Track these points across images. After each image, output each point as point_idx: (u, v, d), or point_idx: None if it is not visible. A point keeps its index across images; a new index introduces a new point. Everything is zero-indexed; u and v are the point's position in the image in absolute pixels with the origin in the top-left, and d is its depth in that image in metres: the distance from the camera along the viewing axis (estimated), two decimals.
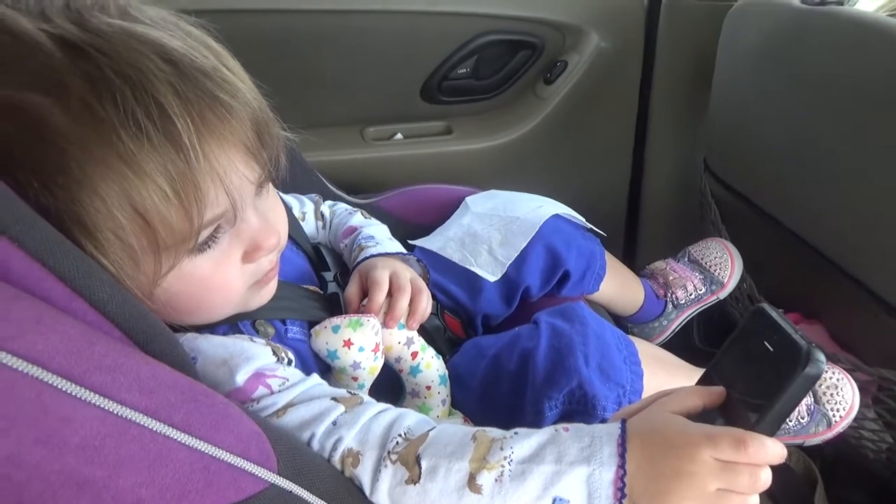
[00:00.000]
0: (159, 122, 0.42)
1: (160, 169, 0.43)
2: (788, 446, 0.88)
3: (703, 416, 0.47)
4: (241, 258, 0.52)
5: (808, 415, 0.86)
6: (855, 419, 0.88)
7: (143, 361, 0.39)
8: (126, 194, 0.43)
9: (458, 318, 0.83)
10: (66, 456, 0.33)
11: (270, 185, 0.55)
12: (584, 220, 0.89)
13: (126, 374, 0.36)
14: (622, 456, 0.45)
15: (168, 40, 0.45)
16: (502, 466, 0.46)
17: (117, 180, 0.43)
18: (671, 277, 1.01)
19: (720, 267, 1.03)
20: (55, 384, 0.33)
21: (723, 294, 1.04)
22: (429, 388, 0.68)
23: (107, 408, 0.35)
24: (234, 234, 0.50)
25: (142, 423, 0.35)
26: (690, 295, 1.01)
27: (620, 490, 0.44)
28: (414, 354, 0.67)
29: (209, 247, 0.49)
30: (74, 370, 0.34)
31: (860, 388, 0.90)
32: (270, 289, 0.57)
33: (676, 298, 1.00)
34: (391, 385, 0.68)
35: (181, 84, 0.44)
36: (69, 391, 0.34)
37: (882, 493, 0.97)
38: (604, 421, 0.62)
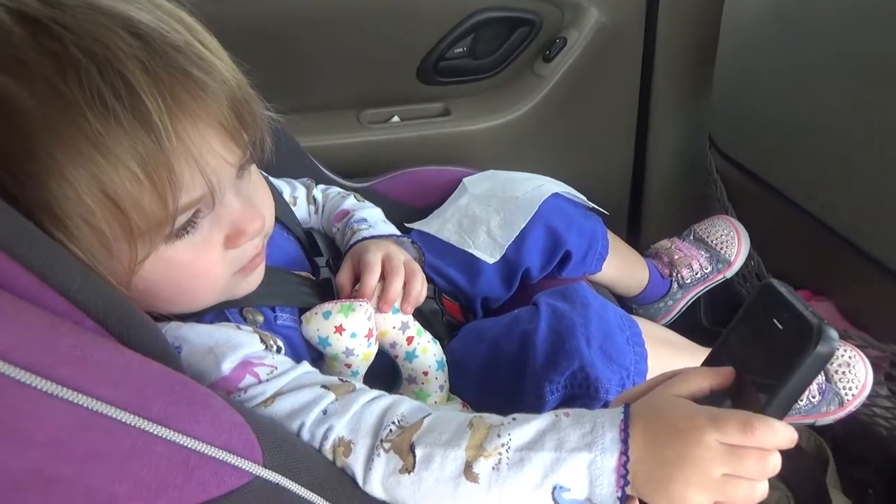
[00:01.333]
0: (127, 101, 0.40)
1: (130, 151, 0.41)
2: (799, 426, 0.86)
3: (710, 398, 0.44)
4: (224, 243, 0.50)
5: (820, 394, 0.84)
6: (867, 397, 0.86)
7: (116, 352, 0.37)
8: (95, 178, 0.41)
9: (456, 301, 0.81)
10: (32, 452, 0.31)
11: (254, 167, 0.53)
12: (585, 199, 0.87)
13: (96, 366, 0.35)
14: (625, 442, 0.43)
15: (136, 13, 0.43)
16: (500, 454, 0.44)
17: (85, 164, 0.41)
18: (676, 256, 0.99)
19: (727, 245, 1.01)
20: (18, 377, 0.31)
21: (729, 273, 1.01)
22: (426, 373, 0.66)
23: (75, 401, 0.33)
24: (215, 219, 0.48)
25: (113, 416, 0.34)
26: (696, 274, 0.99)
27: (623, 477, 0.42)
28: (410, 339, 0.65)
29: (188, 232, 0.47)
30: (40, 363, 0.32)
31: (872, 365, 0.87)
32: (257, 275, 0.55)
33: (682, 278, 0.98)
34: (387, 371, 0.66)
35: (150, 60, 0.41)
36: (34, 384, 0.32)
37: (895, 472, 0.95)
38: (606, 404, 0.61)
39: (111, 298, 0.40)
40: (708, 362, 0.48)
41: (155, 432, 0.35)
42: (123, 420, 0.34)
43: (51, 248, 0.38)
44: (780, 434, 0.41)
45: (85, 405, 0.33)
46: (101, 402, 0.34)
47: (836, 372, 0.85)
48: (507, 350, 0.67)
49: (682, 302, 1.00)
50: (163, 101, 0.41)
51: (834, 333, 0.39)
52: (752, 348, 0.45)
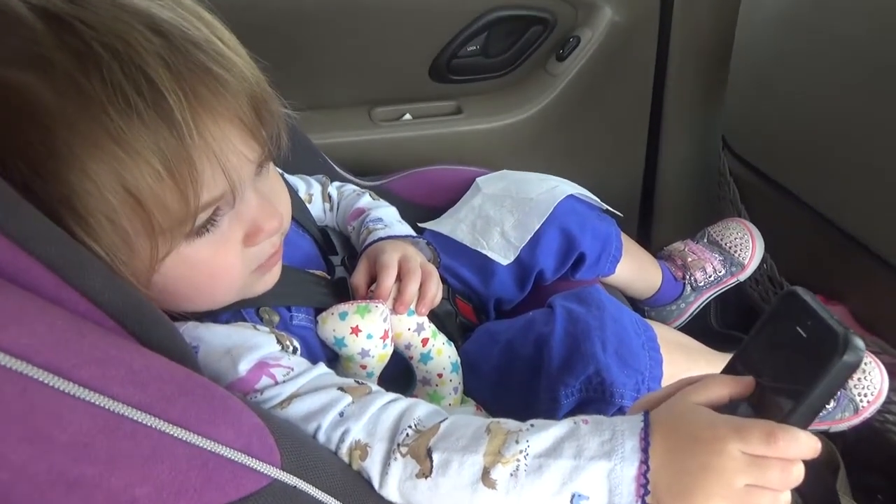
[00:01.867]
0: (149, 97, 0.40)
1: (152, 147, 0.41)
2: (811, 432, 0.86)
3: (731, 407, 0.44)
4: (242, 241, 0.49)
5: (835, 400, 0.83)
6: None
7: (136, 353, 0.37)
8: (117, 175, 0.41)
9: (469, 302, 0.81)
10: (54, 455, 0.31)
11: (272, 164, 0.53)
12: (599, 200, 0.87)
13: (118, 366, 0.35)
14: (645, 451, 0.42)
15: (157, 11, 0.42)
16: (518, 461, 0.44)
17: (107, 160, 0.41)
18: (690, 259, 0.98)
19: (741, 248, 1.00)
20: (41, 379, 0.31)
21: (743, 276, 1.00)
22: (440, 375, 0.66)
23: (97, 403, 0.33)
24: (234, 217, 0.48)
25: (135, 418, 0.34)
26: (710, 277, 0.98)
27: (643, 486, 0.42)
28: (425, 341, 0.65)
29: (208, 230, 0.47)
30: (62, 364, 0.32)
31: (887, 371, 0.87)
32: (274, 274, 0.54)
33: (695, 280, 0.98)
34: (401, 373, 0.66)
35: (172, 57, 0.41)
36: (56, 386, 0.32)
37: None
38: (621, 409, 0.60)
39: (131, 298, 0.40)
40: (728, 369, 0.47)
41: (176, 434, 0.35)
42: (145, 422, 0.34)
43: (72, 248, 0.38)
44: (803, 444, 0.40)
45: (107, 407, 0.33)
46: (123, 403, 0.33)
47: (852, 378, 0.84)
48: (521, 352, 0.67)
49: (695, 305, 1.00)
50: (184, 98, 0.41)
51: (860, 343, 0.39)
52: (775, 356, 0.44)
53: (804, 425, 0.41)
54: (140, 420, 0.34)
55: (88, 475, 0.32)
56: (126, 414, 0.33)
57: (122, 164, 0.41)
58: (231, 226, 0.48)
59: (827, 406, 0.82)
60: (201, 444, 0.36)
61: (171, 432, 0.35)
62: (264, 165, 0.50)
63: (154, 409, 0.34)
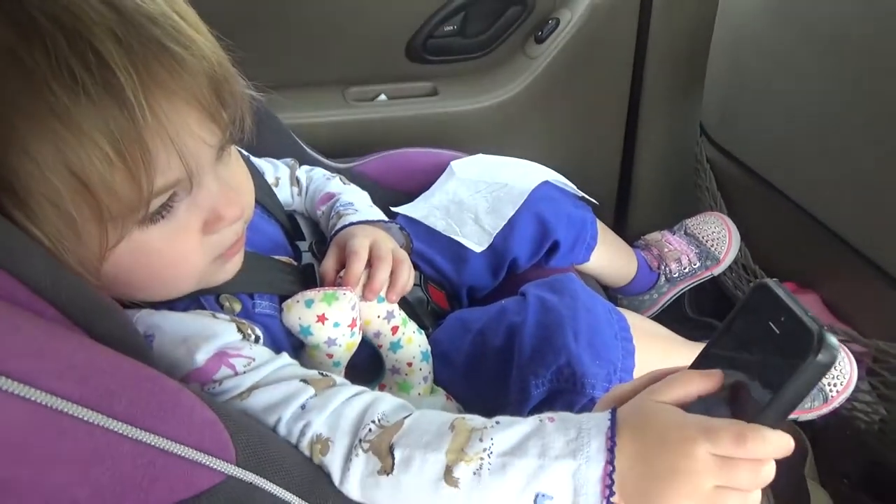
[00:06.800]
0: (98, 74, 0.37)
1: (100, 127, 0.38)
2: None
3: (701, 405, 0.42)
4: (201, 229, 0.47)
5: None
6: None
7: (79, 345, 0.35)
8: (61, 155, 0.38)
9: (442, 289, 0.80)
10: None
11: (234, 149, 0.50)
12: (574, 187, 0.85)
13: (56, 359, 0.33)
14: (611, 451, 0.41)
15: None
16: (481, 459, 0.42)
17: (51, 139, 0.38)
18: (666, 250, 0.98)
19: (717, 242, 1.01)
20: None
21: (717, 270, 1.02)
22: (410, 364, 0.64)
23: (32, 398, 0.30)
24: (192, 203, 0.46)
25: (74, 414, 0.32)
26: (685, 269, 0.98)
27: (609, 487, 0.41)
28: (394, 329, 0.64)
29: (163, 217, 0.44)
30: None
31: (855, 360, 0.87)
32: (236, 263, 0.52)
33: (670, 271, 0.98)
34: (370, 361, 0.64)
35: (123, 31, 0.39)
36: None
37: (873, 465, 0.96)
38: (593, 399, 0.59)
39: (76, 287, 0.38)
40: (697, 364, 0.46)
41: (119, 431, 0.33)
42: (85, 418, 0.32)
43: (10, 232, 0.36)
44: (774, 444, 0.39)
45: (43, 402, 0.31)
46: (62, 398, 0.31)
47: None
48: (493, 342, 0.66)
49: (668, 295, 1.00)
50: (136, 75, 0.38)
51: (834, 341, 0.37)
52: (747, 351, 0.43)
53: (776, 424, 0.40)
54: (80, 416, 0.32)
55: (23, 476, 0.30)
56: (64, 409, 0.31)
57: (67, 145, 0.38)
58: (189, 213, 0.46)
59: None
60: (148, 441, 0.34)
61: (115, 428, 0.33)
62: (225, 149, 0.48)
63: (96, 404, 0.33)
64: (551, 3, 1.11)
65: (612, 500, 0.41)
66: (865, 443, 0.98)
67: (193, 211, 0.46)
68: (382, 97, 1.12)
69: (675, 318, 1.02)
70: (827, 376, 0.84)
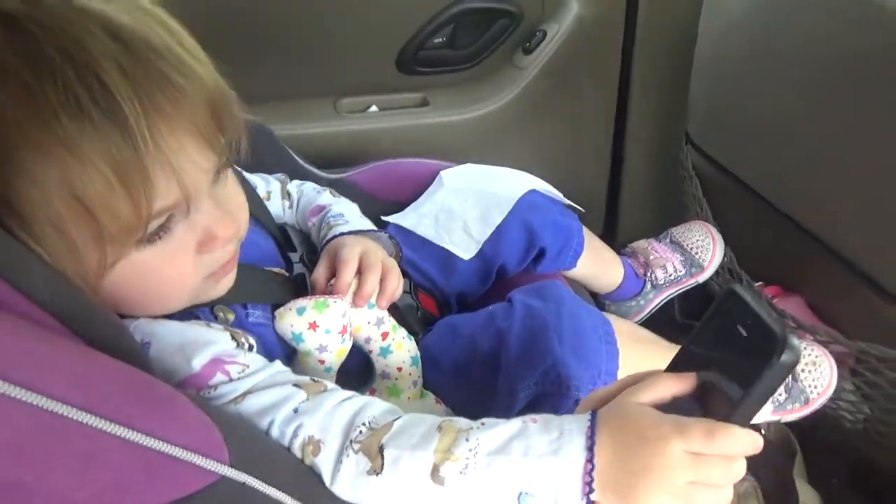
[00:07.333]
0: (103, 103, 0.39)
1: (103, 154, 0.40)
2: (766, 420, 0.88)
3: (677, 404, 0.44)
4: (196, 249, 0.48)
5: (786, 391, 0.85)
6: (834, 391, 0.87)
7: (77, 353, 0.36)
8: (65, 181, 0.40)
9: (432, 296, 0.81)
10: None
11: (230, 170, 0.52)
12: (561, 195, 0.87)
13: (57, 366, 0.34)
14: (591, 449, 0.43)
15: (115, 14, 0.41)
16: (467, 459, 0.44)
17: (56, 166, 0.40)
18: (652, 257, 1.00)
19: (702, 250, 1.03)
20: None
21: (702, 277, 1.03)
22: (400, 369, 0.66)
23: (34, 403, 0.32)
24: (188, 224, 0.47)
25: (70, 416, 0.33)
26: (670, 276, 1.00)
27: (588, 484, 0.42)
28: (384, 335, 0.65)
29: (160, 238, 0.46)
30: None
31: (837, 361, 0.89)
32: (228, 280, 0.54)
33: (656, 278, 0.99)
34: (361, 367, 0.66)
35: (128, 63, 0.40)
36: None
37: (859, 464, 0.97)
38: (578, 402, 0.61)
39: (74, 298, 0.39)
40: (673, 366, 0.48)
41: (114, 432, 0.34)
42: (81, 420, 0.33)
43: (10, 245, 0.37)
44: (743, 441, 0.41)
45: (42, 406, 0.32)
46: (57, 401, 0.33)
47: (803, 370, 0.86)
48: (481, 347, 0.67)
49: (654, 302, 1.02)
50: (140, 105, 0.40)
51: (797, 343, 0.39)
52: (718, 354, 0.45)
53: (745, 422, 0.42)
54: (77, 419, 0.33)
55: (26, 478, 0.31)
56: (60, 412, 0.33)
57: (71, 171, 0.40)
58: (185, 233, 0.47)
59: (779, 398, 0.85)
60: (143, 443, 0.35)
61: (110, 430, 0.34)
62: (222, 173, 0.49)
63: (94, 407, 0.34)
64: (539, 15, 1.13)
65: (591, 496, 0.43)
66: (852, 442, 0.99)
67: (189, 231, 0.47)
68: (374, 108, 1.14)
69: (663, 322, 1.04)
70: (808, 379, 0.86)
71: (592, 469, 0.42)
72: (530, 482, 0.43)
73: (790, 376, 0.86)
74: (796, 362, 0.40)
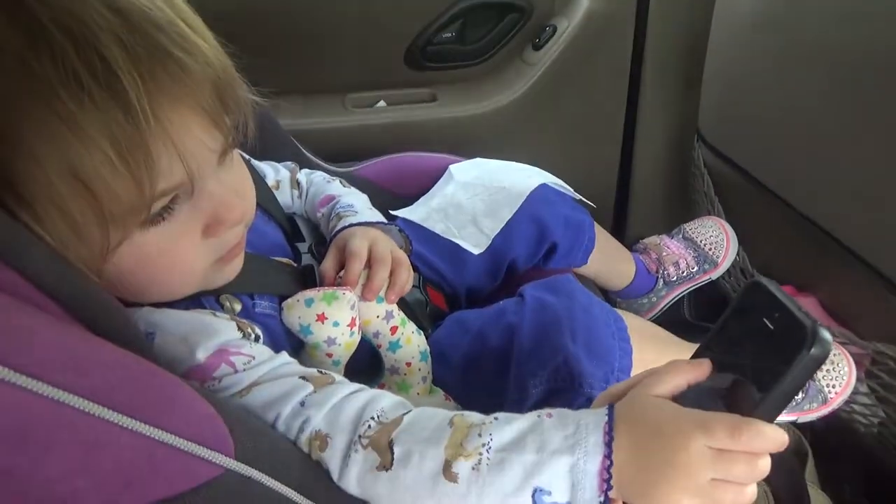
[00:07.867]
0: (103, 79, 0.38)
1: (104, 131, 0.39)
2: (778, 424, 0.86)
3: (699, 400, 0.43)
4: (202, 232, 0.47)
5: (804, 391, 0.84)
6: None
7: (81, 339, 0.35)
8: (66, 159, 0.39)
9: (441, 291, 0.80)
10: None
11: (236, 153, 0.51)
12: (572, 190, 0.86)
13: (59, 353, 0.33)
14: (609, 445, 0.41)
15: None
16: (480, 454, 0.43)
17: (56, 144, 0.39)
18: (664, 253, 0.99)
19: (715, 246, 1.01)
20: None
21: (715, 274, 1.02)
22: (409, 364, 0.65)
23: (35, 390, 0.31)
24: (193, 207, 0.46)
25: (76, 405, 0.32)
26: (682, 272, 0.99)
27: (606, 481, 0.41)
28: (393, 329, 0.64)
29: (164, 219, 0.45)
30: None
31: (853, 362, 0.87)
32: (236, 265, 0.52)
33: (668, 275, 0.98)
34: (369, 361, 0.65)
35: (129, 38, 0.39)
36: None
37: (873, 468, 0.95)
38: (590, 399, 0.59)
39: (77, 283, 0.38)
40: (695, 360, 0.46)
41: (120, 423, 0.33)
42: (87, 410, 0.32)
43: (13, 229, 0.36)
44: (768, 437, 0.40)
45: (43, 393, 0.31)
46: (64, 390, 0.32)
47: (821, 369, 0.85)
48: (491, 342, 0.66)
49: (667, 299, 1.00)
50: (141, 82, 0.39)
51: (828, 335, 0.38)
52: (742, 348, 0.43)
53: (771, 418, 0.40)
54: (81, 408, 0.32)
55: (22, 465, 0.30)
56: (65, 401, 0.31)
57: (72, 149, 0.39)
58: (190, 216, 0.46)
59: (796, 397, 0.83)
60: (147, 433, 0.34)
61: (115, 420, 0.33)
62: (228, 154, 0.48)
63: (98, 396, 0.33)
64: (548, 11, 1.12)
65: (609, 493, 0.41)
66: (865, 446, 0.98)
67: (194, 214, 0.46)
68: (382, 103, 1.13)
69: (674, 322, 1.02)
70: (826, 378, 0.84)
71: (611, 465, 0.41)
72: (545, 479, 0.42)
73: None
74: (826, 355, 0.38)
